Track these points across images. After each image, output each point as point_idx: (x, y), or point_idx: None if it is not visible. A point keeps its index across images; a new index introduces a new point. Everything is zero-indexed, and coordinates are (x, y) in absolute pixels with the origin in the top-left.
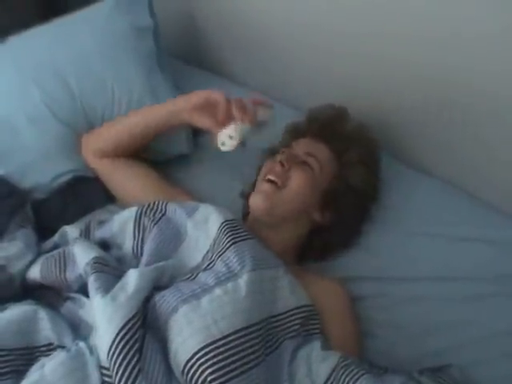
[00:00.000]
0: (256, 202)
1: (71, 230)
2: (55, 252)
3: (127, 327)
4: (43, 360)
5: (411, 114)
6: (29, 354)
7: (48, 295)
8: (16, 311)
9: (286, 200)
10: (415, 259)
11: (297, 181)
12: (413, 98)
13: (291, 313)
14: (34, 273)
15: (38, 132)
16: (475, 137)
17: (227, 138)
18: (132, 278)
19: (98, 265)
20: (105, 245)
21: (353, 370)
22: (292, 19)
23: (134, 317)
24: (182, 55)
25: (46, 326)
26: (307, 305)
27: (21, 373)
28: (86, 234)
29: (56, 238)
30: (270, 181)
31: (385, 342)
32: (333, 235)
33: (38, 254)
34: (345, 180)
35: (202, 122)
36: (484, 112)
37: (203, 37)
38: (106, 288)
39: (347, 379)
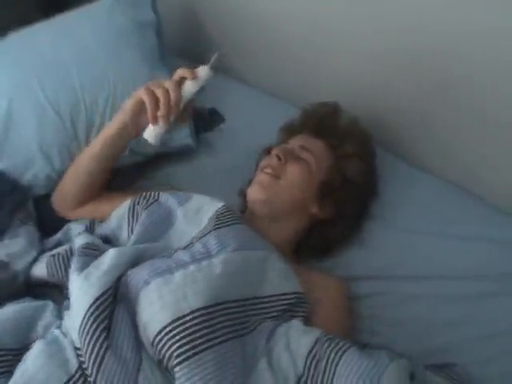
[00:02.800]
0: (253, 192)
1: (75, 227)
2: (61, 249)
3: (95, 305)
4: (25, 355)
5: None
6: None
7: (52, 292)
8: (14, 308)
9: (282, 191)
10: (418, 258)
11: (293, 173)
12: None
13: (278, 298)
14: (41, 270)
15: (39, 127)
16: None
17: (148, 137)
18: (108, 257)
19: (86, 249)
20: (107, 241)
21: (338, 343)
22: (294, 16)
23: (103, 294)
24: (184, 52)
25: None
26: (298, 292)
27: (12, 373)
28: (90, 231)
29: (59, 234)
30: (266, 172)
31: (387, 340)
32: (332, 230)
33: (42, 251)
34: (342, 173)
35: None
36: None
37: (205, 34)
38: (83, 267)
39: (332, 353)
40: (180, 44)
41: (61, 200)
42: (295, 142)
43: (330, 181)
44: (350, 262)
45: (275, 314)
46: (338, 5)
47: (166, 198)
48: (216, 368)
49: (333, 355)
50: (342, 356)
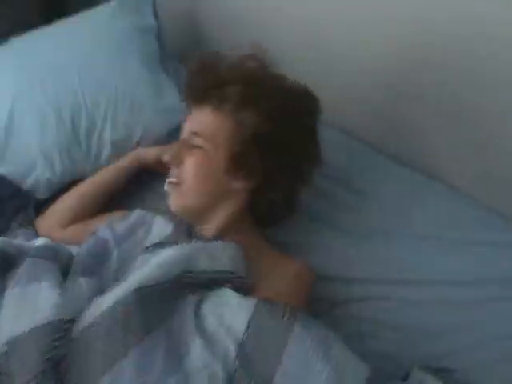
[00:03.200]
0: (170, 204)
1: None
2: None
3: None
4: None
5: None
6: None
7: None
8: None
9: (190, 194)
10: (420, 263)
11: (190, 172)
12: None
13: (207, 275)
14: None
15: (41, 132)
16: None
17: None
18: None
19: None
20: None
21: (280, 309)
22: (294, 19)
23: None
24: (185, 57)
25: None
26: (230, 272)
27: None
28: None
29: None
30: (169, 183)
31: (389, 344)
32: (268, 198)
33: None
34: (243, 133)
35: None
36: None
37: (205, 37)
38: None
39: (272, 320)
40: (180, 49)
41: (50, 217)
42: (187, 127)
43: (237, 150)
44: (353, 266)
45: (199, 288)
46: (340, 7)
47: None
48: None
49: (273, 322)
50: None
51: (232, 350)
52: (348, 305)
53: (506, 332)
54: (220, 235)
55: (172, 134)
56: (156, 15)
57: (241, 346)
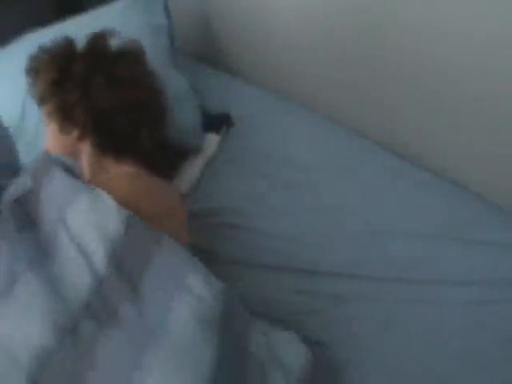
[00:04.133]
0: None
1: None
2: None
3: None
4: None
5: None
6: None
7: None
8: None
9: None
10: (423, 262)
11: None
12: None
13: None
14: None
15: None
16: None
17: None
18: None
19: None
20: None
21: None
22: (305, 19)
23: None
24: (196, 54)
25: None
26: None
27: None
28: None
29: None
30: None
31: (391, 345)
32: (113, 126)
33: None
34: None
35: None
36: None
37: (215, 37)
38: None
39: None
40: (191, 46)
41: None
42: None
43: (57, 105)
44: (355, 262)
45: None
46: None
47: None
48: None
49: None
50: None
51: (101, 248)
52: (351, 303)
53: (509, 334)
54: (92, 177)
55: None
56: (168, 14)
57: (112, 246)
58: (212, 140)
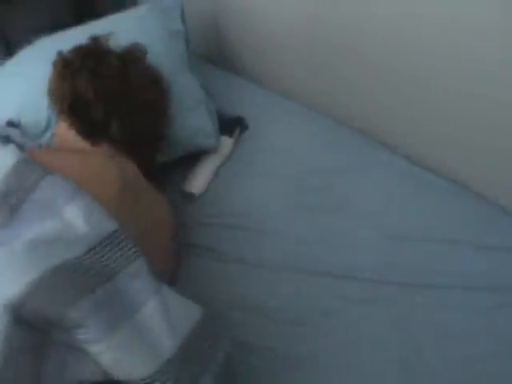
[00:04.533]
0: None
1: None
2: None
3: None
4: None
5: None
6: None
7: None
8: None
9: None
10: (439, 267)
11: None
12: None
13: None
14: None
15: None
16: None
17: None
18: None
19: None
20: None
21: None
22: (313, 20)
23: None
24: (205, 55)
25: None
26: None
27: None
28: None
29: None
30: None
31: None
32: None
33: None
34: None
35: None
36: None
37: (225, 37)
38: None
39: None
40: (200, 48)
41: None
42: None
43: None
44: (368, 266)
45: None
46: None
47: None
48: None
49: None
50: None
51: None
52: (359, 305)
53: None
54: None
55: None
56: (184, 21)
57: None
58: (226, 142)
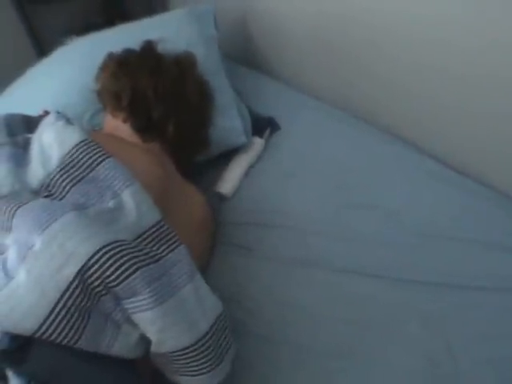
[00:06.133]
0: None
1: None
2: None
3: None
4: None
5: None
6: None
7: None
8: None
9: None
10: (450, 266)
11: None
12: None
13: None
14: None
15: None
16: None
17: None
18: None
19: None
20: None
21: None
22: (340, 20)
23: None
24: (233, 56)
25: None
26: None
27: None
28: None
29: None
30: None
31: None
32: (152, 110)
33: None
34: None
35: None
36: None
37: (254, 38)
38: None
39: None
40: (229, 48)
41: None
42: None
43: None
44: (383, 264)
45: None
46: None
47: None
48: None
49: None
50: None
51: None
52: (389, 305)
53: None
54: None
55: None
56: (216, 26)
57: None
58: (257, 143)
